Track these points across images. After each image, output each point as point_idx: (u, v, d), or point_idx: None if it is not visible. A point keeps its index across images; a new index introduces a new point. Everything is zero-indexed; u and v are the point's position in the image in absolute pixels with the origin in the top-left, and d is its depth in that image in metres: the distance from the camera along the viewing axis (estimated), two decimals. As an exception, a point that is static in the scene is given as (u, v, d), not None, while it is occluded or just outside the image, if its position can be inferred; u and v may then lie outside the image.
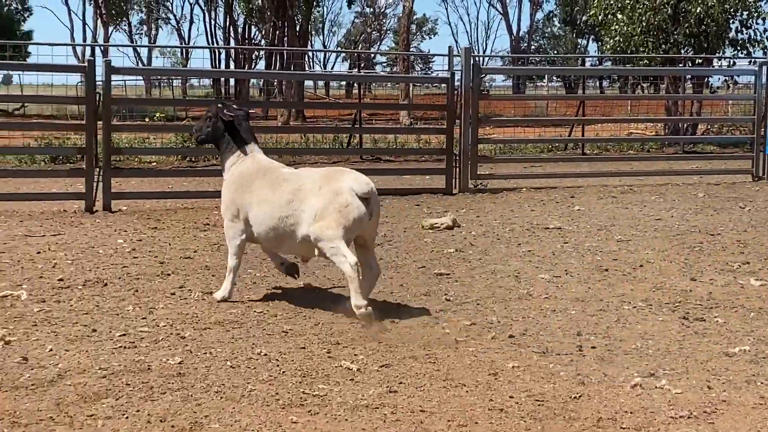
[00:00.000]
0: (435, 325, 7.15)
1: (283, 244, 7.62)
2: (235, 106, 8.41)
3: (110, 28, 71.59)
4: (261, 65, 58.86)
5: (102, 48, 54.39)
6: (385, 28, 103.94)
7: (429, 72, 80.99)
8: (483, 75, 18.21)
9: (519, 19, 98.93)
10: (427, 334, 6.85)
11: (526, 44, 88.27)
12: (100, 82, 14.39)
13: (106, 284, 8.42)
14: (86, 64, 14.38)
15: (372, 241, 7.65)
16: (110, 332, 6.77)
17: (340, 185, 7.28)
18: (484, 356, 6.31)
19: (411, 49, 54.57)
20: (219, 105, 8.36)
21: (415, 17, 66.07)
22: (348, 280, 7.02)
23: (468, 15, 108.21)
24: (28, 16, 75.62)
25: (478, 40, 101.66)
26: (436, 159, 20.88)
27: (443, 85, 17.06)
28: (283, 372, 5.85)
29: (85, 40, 75.98)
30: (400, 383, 5.68)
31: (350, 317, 7.14)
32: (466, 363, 6.14)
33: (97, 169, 13.85)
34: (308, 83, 53.12)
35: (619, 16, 28.33)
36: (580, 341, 6.74)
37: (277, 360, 6.11)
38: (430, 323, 7.19)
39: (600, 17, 29.44)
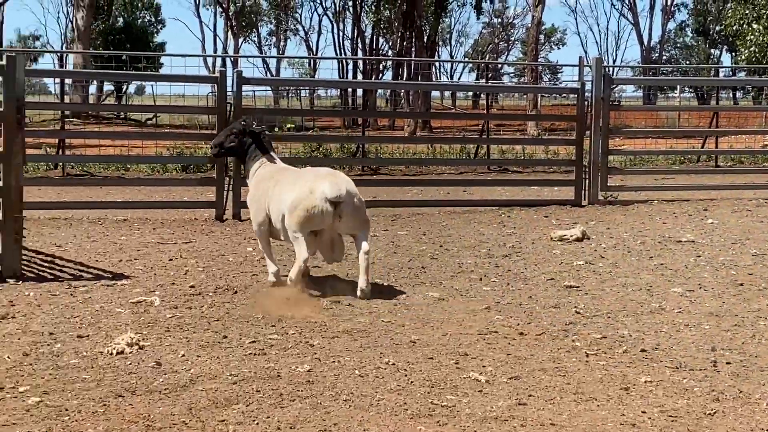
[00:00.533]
0: (565, 337, 7.07)
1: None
2: (254, 123, 9.69)
3: (240, 40, 72.79)
4: (388, 76, 59.10)
5: (231, 59, 55.27)
6: (513, 39, 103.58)
7: (557, 83, 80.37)
8: (614, 85, 17.96)
9: (650, 29, 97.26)
10: (556, 347, 6.77)
11: (657, 54, 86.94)
12: (230, 93, 14.61)
13: (236, 292, 8.52)
14: (218, 74, 14.63)
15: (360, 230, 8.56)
16: (240, 339, 6.85)
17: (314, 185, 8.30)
18: (615, 370, 6.20)
19: (539, 60, 54.26)
20: (243, 122, 9.70)
21: (543, 27, 65.67)
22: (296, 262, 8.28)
23: (598, 25, 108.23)
24: (160, 28, 77.24)
25: (608, 50, 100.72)
26: (565, 170, 20.70)
27: (572, 95, 16.92)
28: (411, 382, 5.84)
29: (215, 51, 77.40)
30: (530, 396, 5.62)
31: (464, 329, 7.10)
32: (597, 377, 6.05)
33: (227, 179, 14.06)
34: (435, 94, 53.23)
35: (755, 26, 27.77)
36: (714, 356, 6.59)
37: (405, 370, 6.10)
38: (559, 336, 7.11)
39: (735, 27, 28.87)
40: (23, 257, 9.46)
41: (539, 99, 35.17)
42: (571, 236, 11.82)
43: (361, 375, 5.96)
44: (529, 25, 49.36)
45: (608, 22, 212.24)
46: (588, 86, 16.16)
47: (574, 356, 6.53)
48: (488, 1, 70.64)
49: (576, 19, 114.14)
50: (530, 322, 7.55)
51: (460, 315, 7.72)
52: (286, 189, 8.50)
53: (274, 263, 9.00)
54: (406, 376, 5.96)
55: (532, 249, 11.26)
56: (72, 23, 57.08)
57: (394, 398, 5.52)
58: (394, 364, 6.22)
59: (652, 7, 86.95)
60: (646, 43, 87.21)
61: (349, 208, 8.34)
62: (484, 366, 6.23)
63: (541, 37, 64.91)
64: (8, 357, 6.26)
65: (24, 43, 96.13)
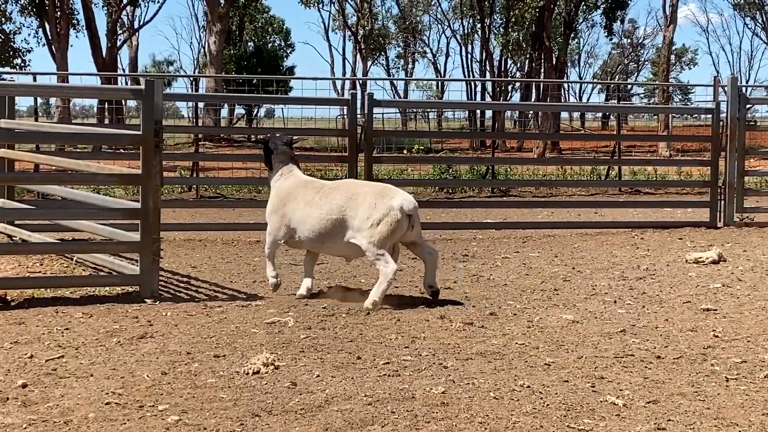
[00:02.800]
0: (703, 361, 6.91)
1: (325, 244, 9.29)
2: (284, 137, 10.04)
3: (369, 63, 73.34)
4: (516, 98, 58.89)
5: (360, 82, 55.68)
6: (643, 59, 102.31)
7: (688, 103, 79.13)
8: (749, 105, 17.58)
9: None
10: (695, 371, 6.63)
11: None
12: (359, 115, 14.68)
13: (368, 313, 8.55)
14: (349, 97, 14.74)
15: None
16: (374, 360, 6.86)
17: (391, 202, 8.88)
18: (756, 395, 6.04)
19: (670, 80, 53.47)
20: (263, 136, 10.16)
21: (674, 47, 64.70)
22: (381, 279, 8.75)
23: (730, 44, 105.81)
24: (290, 53, 78.50)
25: (740, 70, 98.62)
26: (698, 192, 20.36)
27: (704, 116, 16.63)
28: (547, 405, 5.78)
29: (344, 74, 78.13)
30: (669, 420, 5.51)
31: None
32: (738, 402, 5.90)
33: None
34: (564, 115, 52.84)
35: None
36: None
37: (540, 393, 6.04)
38: (697, 360, 6.95)
39: None
40: (160, 278, 9.66)
41: (671, 120, 34.60)
42: (707, 258, 11.58)
43: (496, 397, 5.92)
44: (660, 45, 48.78)
45: (741, 42, 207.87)
46: (723, 106, 15.85)
47: (714, 381, 6.39)
48: (618, 22, 70.10)
49: (708, 38, 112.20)
50: (667, 345, 7.41)
51: (594, 338, 7.62)
52: (344, 207, 9.00)
53: (275, 268, 9.62)
54: (541, 399, 5.90)
55: (667, 271, 11.08)
56: (204, 48, 58.27)
57: (530, 421, 5.46)
58: (529, 386, 6.16)
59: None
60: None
61: (417, 219, 9.06)
62: (621, 390, 6.13)
63: (672, 57, 63.95)
64: (147, 376, 6.38)
65: (158, 68, 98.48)
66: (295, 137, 10.15)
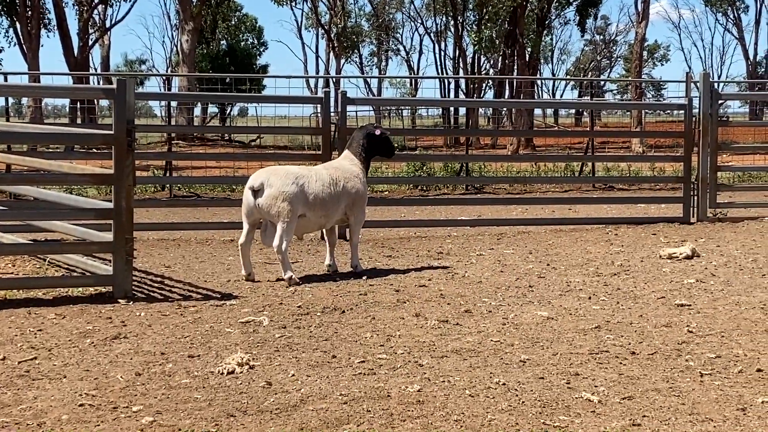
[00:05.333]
0: (678, 357, 6.93)
1: None
2: None
3: (342, 60, 73.30)
4: (490, 95, 59.00)
5: (334, 80, 55.67)
6: (615, 55, 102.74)
7: (661, 99, 79.46)
8: (721, 101, 17.61)
9: (756, 44, 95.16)
10: (669, 367, 6.65)
11: (763, 69, 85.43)
12: (334, 113, 14.66)
13: (343, 311, 8.54)
14: (322, 95, 14.73)
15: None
16: (349, 359, 6.85)
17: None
18: (731, 390, 6.07)
19: (642, 76, 53.66)
20: None
21: (646, 44, 64.83)
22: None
23: (702, 40, 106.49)
24: (263, 51, 78.25)
25: (712, 66, 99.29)
26: (671, 187, 20.45)
27: (676, 112, 16.72)
28: (523, 402, 5.78)
29: (317, 72, 78.07)
30: (644, 416, 5.52)
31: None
32: (713, 397, 5.92)
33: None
34: (537, 111, 52.99)
35: None
36: (835, 377, 6.41)
37: (515, 390, 6.04)
38: (672, 355, 6.98)
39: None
40: (134, 278, 9.61)
41: (644, 116, 34.74)
42: (681, 254, 11.62)
43: (472, 395, 5.92)
44: (632, 41, 48.94)
45: (713, 38, 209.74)
46: (695, 102, 15.91)
47: (688, 376, 6.41)
48: (591, 18, 70.30)
49: (680, 35, 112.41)
50: (642, 341, 7.43)
51: (569, 334, 7.63)
52: None
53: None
54: (517, 396, 5.91)
55: (641, 267, 11.10)
56: (177, 47, 58.13)
57: (505, 418, 5.47)
58: (504, 384, 6.16)
59: (757, 22, 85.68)
60: (751, 58, 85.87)
61: (262, 194, 10.09)
62: (596, 386, 6.14)
63: (645, 53, 64.20)
64: (121, 377, 6.35)
65: (131, 67, 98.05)
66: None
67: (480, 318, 8.27)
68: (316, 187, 10.17)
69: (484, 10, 51.06)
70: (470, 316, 8.32)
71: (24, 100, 41.04)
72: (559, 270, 10.96)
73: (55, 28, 46.94)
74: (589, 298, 9.22)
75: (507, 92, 53.79)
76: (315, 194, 10.13)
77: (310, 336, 7.59)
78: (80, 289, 9.59)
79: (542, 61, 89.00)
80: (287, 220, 9.88)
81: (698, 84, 16.12)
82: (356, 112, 41.07)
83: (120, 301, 9.02)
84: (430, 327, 7.91)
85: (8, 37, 49.00)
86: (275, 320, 8.15)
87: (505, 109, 40.81)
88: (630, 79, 47.46)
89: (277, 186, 9.92)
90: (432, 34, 79.34)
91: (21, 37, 45.22)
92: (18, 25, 45.49)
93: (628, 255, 12.02)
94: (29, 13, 44.17)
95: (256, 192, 9.99)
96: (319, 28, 74.54)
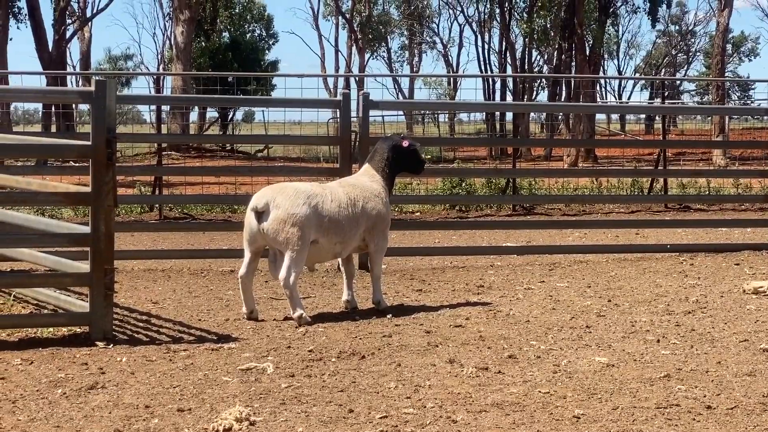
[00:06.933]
0: (762, 412, 6.92)
1: None
2: None
3: (366, 56, 73.55)
4: (543, 96, 59.05)
5: (356, 79, 55.84)
6: (693, 50, 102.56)
7: (748, 102, 79.16)
8: (820, 104, 17.58)
9: None
10: (752, 424, 6.64)
11: None
12: (355, 119, 14.67)
13: (363, 357, 8.55)
14: (341, 98, 14.68)
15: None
16: (369, 413, 6.87)
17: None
18: (826, 452, 6.06)
19: (726, 75, 53.56)
20: None
21: (731, 36, 64.72)
22: None
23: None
24: (273, 44, 78.41)
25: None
26: (759, 208, 20.38)
27: (766, 117, 16.68)
28: (576, 466, 5.80)
29: (337, 69, 78.31)
30: (720, 484, 5.52)
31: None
32: (804, 459, 5.92)
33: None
34: (600, 117, 52.90)
35: None
36: None
37: (567, 451, 6.06)
38: (755, 410, 6.97)
39: None
40: (115, 316, 9.66)
41: (727, 122, 34.66)
42: (769, 288, 11.61)
43: (515, 458, 5.94)
44: (714, 33, 48.87)
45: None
46: (789, 105, 15.89)
47: (777, 435, 6.41)
48: (664, 6, 70.20)
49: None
50: (719, 393, 7.41)
51: (633, 385, 7.63)
52: None
53: None
54: (568, 459, 5.92)
55: (720, 304, 11.08)
56: (170, 40, 58.51)
57: (555, 485, 5.48)
58: (553, 444, 6.18)
59: None
60: None
61: (265, 217, 10.17)
62: (663, 447, 6.15)
63: (729, 47, 64.12)
64: (98, 434, 6.39)
65: (115, 64, 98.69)
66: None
67: (526, 365, 8.27)
68: (330, 208, 10.17)
69: (537, -5, 51.20)
70: (515, 363, 8.32)
71: (-11, 104, 41.30)
72: (623, 307, 10.95)
73: (27, 18, 47.26)
74: (658, 341, 9.21)
75: (563, 93, 53.82)
76: (330, 217, 10.13)
77: (322, 386, 7.61)
78: (51, 329, 9.63)
79: (606, 56, 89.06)
80: (297, 248, 9.89)
81: (791, 84, 16.10)
82: (382, 117, 41.19)
83: (98, 343, 9.04)
84: (467, 376, 7.92)
85: (-30, 29, 49.39)
86: (281, 367, 8.17)
87: (561, 113, 40.78)
88: (711, 77, 47.38)
89: (285, 207, 9.91)
90: (474, 24, 79.56)
91: (-15, 29, 45.56)
92: (-19, 15, 45.85)
93: (705, 289, 12.00)
94: (-5, -1, 44.53)
95: (261, 214, 9.97)
96: (340, 17, 74.94)
